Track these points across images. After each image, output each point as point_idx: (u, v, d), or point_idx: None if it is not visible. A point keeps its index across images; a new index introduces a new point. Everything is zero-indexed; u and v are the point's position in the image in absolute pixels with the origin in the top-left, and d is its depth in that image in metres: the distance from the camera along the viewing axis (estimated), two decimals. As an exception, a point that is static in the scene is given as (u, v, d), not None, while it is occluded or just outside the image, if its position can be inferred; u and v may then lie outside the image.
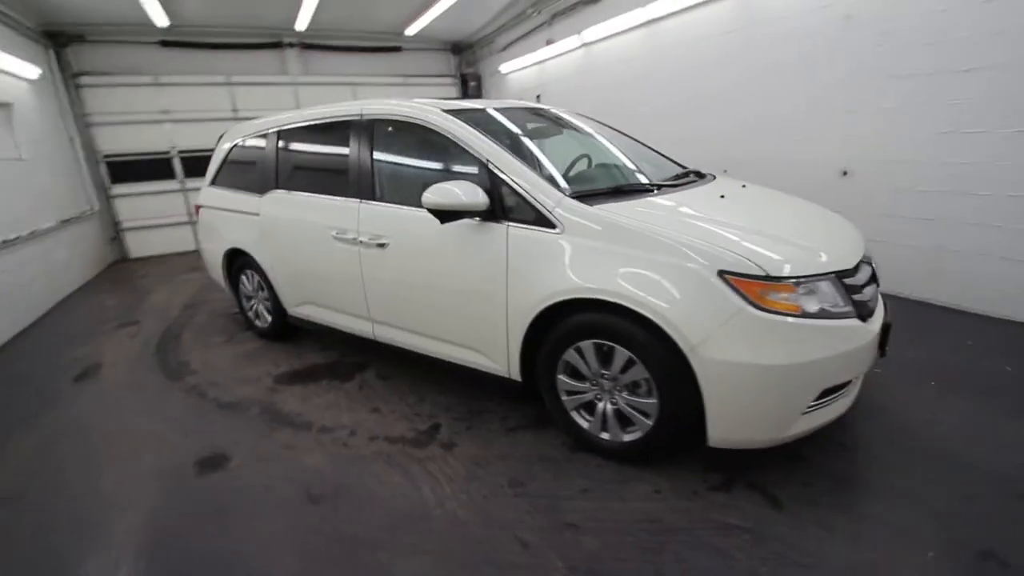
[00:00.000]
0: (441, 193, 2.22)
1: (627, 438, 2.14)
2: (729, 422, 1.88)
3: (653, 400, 2.01)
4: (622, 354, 2.03)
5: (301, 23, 7.26)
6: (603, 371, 2.12)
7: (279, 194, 3.36)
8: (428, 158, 2.72)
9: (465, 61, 9.52)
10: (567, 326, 2.13)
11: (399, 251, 2.64)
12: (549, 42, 7.21)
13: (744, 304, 1.78)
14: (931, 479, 1.99)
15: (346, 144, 2.95)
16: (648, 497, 1.99)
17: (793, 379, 1.81)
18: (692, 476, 2.08)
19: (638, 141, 3.29)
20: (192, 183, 7.69)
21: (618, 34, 5.99)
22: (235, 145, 3.86)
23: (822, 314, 1.83)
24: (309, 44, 8.11)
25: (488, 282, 2.31)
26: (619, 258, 1.97)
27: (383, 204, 2.75)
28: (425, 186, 2.27)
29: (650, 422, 2.05)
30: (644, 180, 2.63)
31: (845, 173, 4.07)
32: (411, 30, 8.03)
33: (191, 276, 6.19)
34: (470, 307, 2.43)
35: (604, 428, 2.20)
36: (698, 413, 1.92)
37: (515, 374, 2.39)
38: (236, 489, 2.20)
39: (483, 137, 2.38)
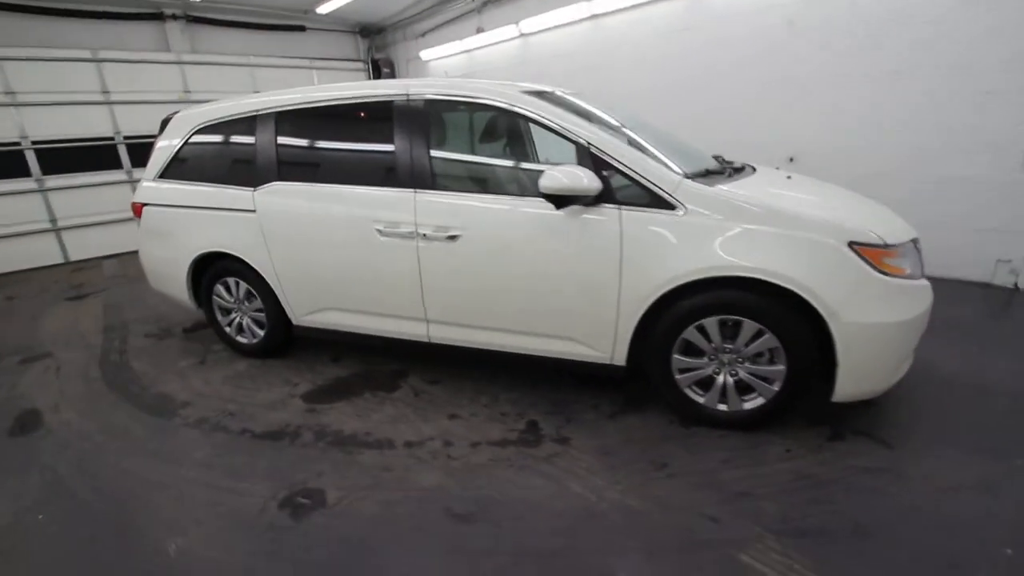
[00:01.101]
0: (563, 176, 2.12)
1: (748, 406, 2.28)
2: (857, 377, 2.10)
3: (780, 367, 2.16)
4: (750, 327, 2.15)
5: (196, -10, 6.23)
6: (726, 345, 2.22)
7: (283, 186, 2.89)
8: (507, 142, 2.57)
9: (375, 45, 8.95)
10: (690, 305, 2.18)
11: (475, 243, 2.45)
12: (480, 30, 7.10)
13: (871, 270, 2.00)
14: (965, 407, 2.44)
15: (388, 128, 2.64)
16: (784, 457, 2.15)
17: (906, 332, 2.08)
18: (806, 433, 2.28)
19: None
20: (54, 180, 6.23)
21: (560, 26, 6.11)
22: (196, 130, 3.22)
23: (912, 275, 2.13)
24: (197, 17, 6.98)
25: (597, 268, 2.27)
26: (750, 235, 2.08)
27: (450, 193, 2.53)
28: (512, 172, 2.16)
29: (775, 388, 2.20)
30: (711, 165, 2.74)
31: (792, 159, 4.67)
32: (325, 7, 7.33)
33: (84, 293, 5.02)
34: (571, 296, 2.36)
35: (722, 400, 2.32)
36: (822, 374, 2.12)
37: (619, 359, 2.39)
38: (363, 524, 1.90)
39: (580, 120, 2.32)
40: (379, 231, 2.62)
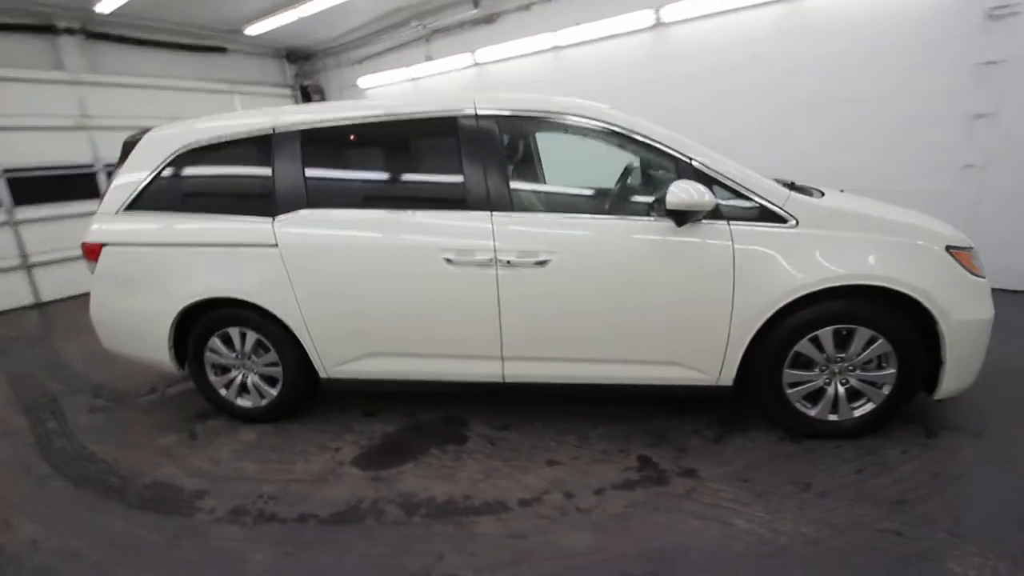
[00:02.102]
0: (693, 191, 2.01)
1: (857, 413, 2.28)
2: (957, 374, 2.19)
3: (890, 371, 2.20)
4: (863, 334, 2.17)
5: (107, 4, 5.34)
6: (839, 355, 2.22)
7: (316, 215, 2.46)
8: (597, 159, 2.40)
9: (304, 71, 8.37)
10: (809, 315, 2.16)
11: (568, 267, 2.24)
12: (429, 58, 6.94)
13: (964, 271, 2.12)
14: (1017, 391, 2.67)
15: (452, 146, 2.37)
16: (905, 459, 2.16)
17: (990, 328, 2.23)
18: (903, 434, 2.33)
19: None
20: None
21: (520, 57, 6.15)
22: (180, 153, 2.65)
23: (982, 275, 2.31)
24: (98, 33, 6.01)
25: (709, 286, 2.18)
26: (862, 244, 2.12)
27: (534, 215, 2.31)
28: (601, 189, 2.02)
29: (885, 392, 2.24)
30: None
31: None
32: (254, 29, 6.70)
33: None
34: (679, 317, 2.23)
35: (833, 410, 2.30)
36: (927, 374, 2.20)
37: (726, 379, 2.30)
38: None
39: (679, 135, 2.24)
40: (448, 260, 2.30)
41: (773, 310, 2.15)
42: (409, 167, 2.55)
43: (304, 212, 2.47)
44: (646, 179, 2.65)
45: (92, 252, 2.74)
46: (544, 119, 2.37)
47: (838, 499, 1.96)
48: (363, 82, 7.69)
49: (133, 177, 2.72)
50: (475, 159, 2.33)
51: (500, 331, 2.37)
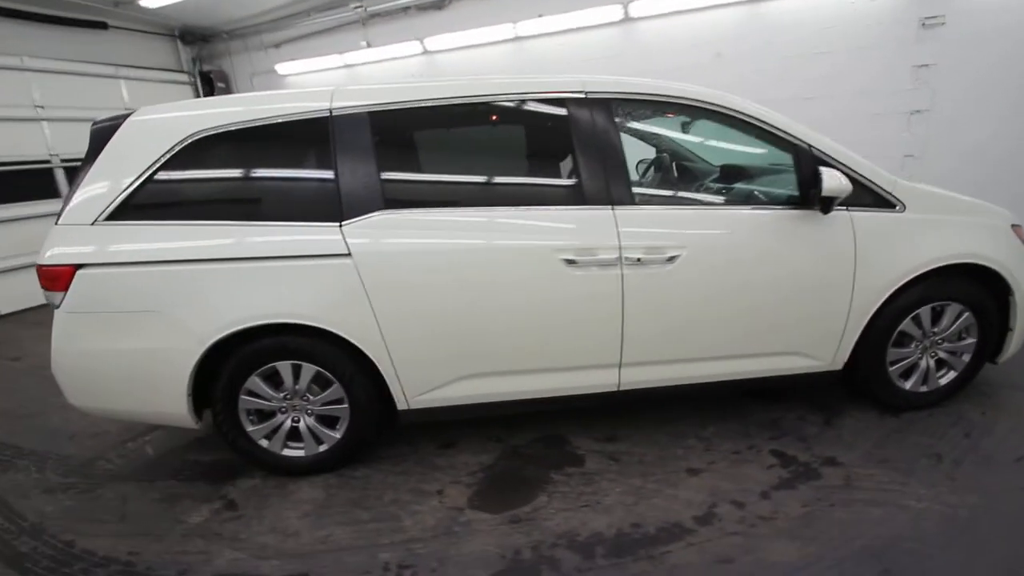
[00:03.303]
0: (840, 179, 1.98)
1: (943, 381, 2.45)
2: (1016, 339, 2.44)
3: (970, 340, 2.39)
4: (954, 309, 2.32)
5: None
6: (933, 330, 2.36)
7: (398, 217, 2.03)
8: (713, 146, 2.27)
9: (204, 55, 7.15)
10: (915, 295, 2.26)
11: (699, 263, 2.10)
12: (367, 44, 6.31)
13: (1022, 245, 2.38)
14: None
15: (561, 133, 2.10)
16: (991, 420, 2.35)
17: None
18: (973, 395, 2.54)
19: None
20: None
21: (476, 46, 5.84)
22: (186, 144, 2.03)
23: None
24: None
25: (834, 272, 2.18)
26: (957, 226, 2.27)
27: (658, 207, 2.13)
28: (724, 176, 1.98)
29: (964, 360, 2.42)
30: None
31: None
32: (150, 1, 5.52)
33: None
34: (805, 306, 2.21)
35: (924, 382, 2.44)
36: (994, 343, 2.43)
37: (838, 364, 2.34)
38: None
39: (794, 122, 2.20)
40: (567, 262, 2.04)
41: (889, 292, 2.22)
42: (510, 157, 2.22)
43: (382, 215, 2.02)
44: (682, 171, 2.62)
45: (58, 278, 2.00)
46: (660, 103, 2.19)
47: (972, 464, 2.07)
48: (283, 68, 6.79)
49: (115, 176, 2.03)
50: (590, 147, 2.09)
51: (621, 336, 2.16)
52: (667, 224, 2.11)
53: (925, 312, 2.31)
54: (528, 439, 2.44)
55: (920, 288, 2.25)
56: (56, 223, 2.07)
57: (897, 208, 2.22)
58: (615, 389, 2.26)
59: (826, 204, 2.06)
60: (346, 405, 2.18)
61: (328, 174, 2.04)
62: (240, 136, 2.06)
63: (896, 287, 2.21)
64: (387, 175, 2.06)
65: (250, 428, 2.19)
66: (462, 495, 2.09)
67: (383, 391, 2.18)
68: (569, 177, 2.11)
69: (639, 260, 2.06)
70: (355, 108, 2.05)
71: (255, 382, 2.12)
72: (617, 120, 2.12)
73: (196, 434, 2.62)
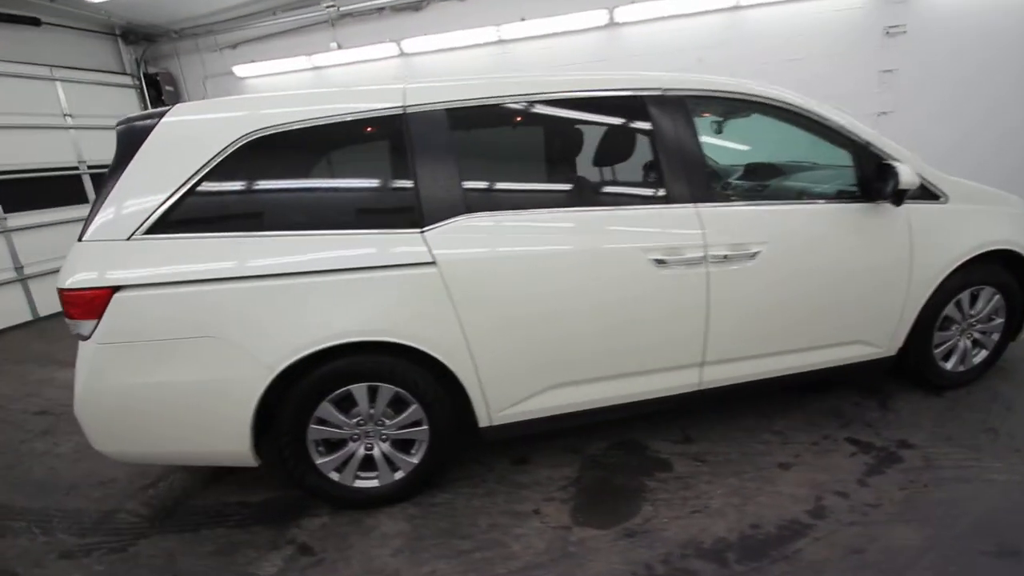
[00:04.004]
0: (912, 173, 2.06)
1: (976, 360, 2.62)
2: (1035, 318, 2.66)
3: (1000, 321, 2.57)
4: (988, 292, 2.49)
5: None
6: (970, 313, 2.51)
7: (480, 222, 1.90)
8: (781, 144, 2.29)
9: (149, 56, 6.52)
10: (958, 281, 2.39)
11: (779, 258, 2.12)
12: (337, 46, 6.01)
13: None
14: None
15: (642, 130, 2.06)
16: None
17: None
18: (996, 372, 2.75)
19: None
20: None
21: (457, 49, 5.71)
22: (243, 145, 1.79)
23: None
24: None
25: (895, 262, 2.28)
26: (991, 215, 2.44)
27: (739, 204, 2.13)
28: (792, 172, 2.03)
29: (995, 338, 2.60)
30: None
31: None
32: (95, -7, 4.96)
33: None
34: (870, 296, 2.29)
35: (962, 362, 2.59)
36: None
37: (892, 350, 2.44)
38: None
39: (854, 120, 2.27)
40: (657, 262, 1.99)
41: (941, 279, 2.34)
42: (592, 156, 2.13)
43: (466, 219, 1.88)
44: (765, 167, 2.68)
45: (89, 305, 1.71)
46: (734, 101, 2.20)
47: (1028, 436, 2.23)
48: (242, 70, 6.33)
49: (154, 185, 1.77)
50: (671, 145, 2.06)
51: (705, 334, 2.14)
52: (748, 221, 2.11)
53: (965, 296, 2.46)
54: (603, 447, 2.36)
55: (961, 274, 2.40)
56: (80, 240, 1.77)
57: (941, 199, 2.35)
58: (695, 389, 2.24)
59: (899, 197, 2.14)
60: (425, 427, 2.01)
61: (405, 177, 1.88)
62: (300, 137, 1.85)
63: (946, 274, 2.34)
64: (468, 177, 1.92)
65: (319, 460, 1.96)
66: (562, 512, 1.98)
67: (464, 409, 2.04)
68: (651, 176, 2.07)
69: (726, 257, 2.05)
70: (432, 105, 1.90)
71: (327, 409, 1.90)
72: (695, 115, 2.10)
73: (221, 472, 2.33)
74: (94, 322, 1.72)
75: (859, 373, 2.49)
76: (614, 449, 2.35)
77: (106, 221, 1.75)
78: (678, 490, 2.05)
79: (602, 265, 1.98)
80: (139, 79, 6.41)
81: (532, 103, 1.99)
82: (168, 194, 1.76)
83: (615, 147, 2.12)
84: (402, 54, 5.89)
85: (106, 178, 1.81)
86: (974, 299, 2.49)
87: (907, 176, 2.05)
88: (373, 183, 1.95)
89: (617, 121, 2.10)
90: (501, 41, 5.59)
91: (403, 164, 1.88)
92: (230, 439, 1.85)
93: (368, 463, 2.02)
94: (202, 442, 1.87)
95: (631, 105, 2.06)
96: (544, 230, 1.96)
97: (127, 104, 6.17)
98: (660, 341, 2.12)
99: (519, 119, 2.02)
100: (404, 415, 1.98)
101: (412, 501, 2.08)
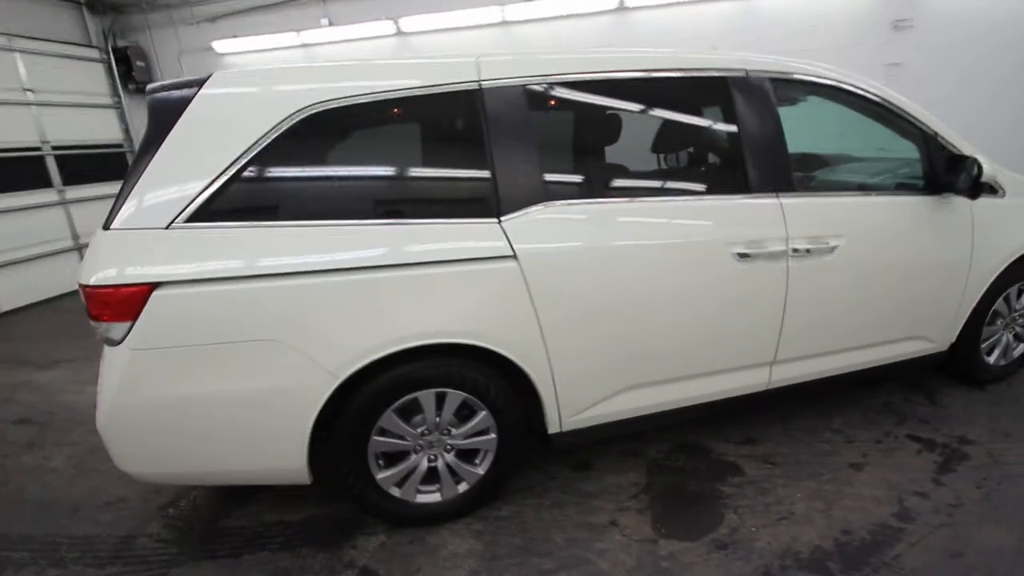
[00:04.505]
0: (989, 167, 2.00)
1: (1015, 354, 2.63)
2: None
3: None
4: (1034, 280, 2.50)
5: None
6: (1016, 307, 2.52)
7: (559, 211, 1.73)
8: (857, 133, 2.20)
9: (117, 28, 5.96)
10: (1005, 278, 2.37)
11: (856, 252, 2.04)
12: (328, 23, 5.65)
13: None
14: None
15: (723, 115, 1.93)
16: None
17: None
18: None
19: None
20: None
21: (458, 29, 5.45)
22: (300, 120, 1.57)
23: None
24: None
25: (957, 256, 2.25)
26: (1041, 209, 2.44)
27: (823, 195, 2.04)
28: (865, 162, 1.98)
29: (1033, 327, 2.63)
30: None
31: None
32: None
33: None
34: (935, 290, 2.26)
35: (1004, 355, 2.60)
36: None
37: (947, 344, 2.42)
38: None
39: (927, 112, 2.21)
40: (741, 255, 1.88)
41: (997, 273, 2.33)
42: (671, 140, 1.99)
43: (544, 209, 1.72)
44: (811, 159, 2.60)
45: (122, 304, 1.46)
46: (818, 86, 2.08)
47: (1085, 430, 2.25)
48: (222, 46, 5.88)
49: (196, 164, 1.53)
50: (753, 131, 1.94)
51: (780, 331, 2.05)
52: (827, 213, 2.02)
53: (1013, 291, 2.46)
54: (664, 450, 2.26)
55: (1013, 269, 2.40)
56: (106, 227, 1.51)
57: (999, 194, 2.34)
58: (764, 389, 2.16)
59: (977, 190, 2.09)
60: (493, 435, 1.85)
61: (480, 160, 1.69)
62: (362, 114, 1.64)
63: (1003, 268, 2.33)
64: (545, 161, 1.75)
65: (380, 475, 1.77)
66: (642, 523, 1.86)
67: (533, 415, 1.89)
68: (732, 163, 1.95)
69: (808, 251, 1.96)
70: (509, 80, 1.71)
71: (390, 418, 1.72)
72: (781, 102, 1.99)
73: (249, 489, 2.11)
74: (127, 324, 1.48)
75: (912, 369, 2.46)
76: (677, 452, 2.24)
77: (140, 207, 1.50)
78: (756, 495, 1.96)
79: (683, 258, 1.86)
80: (107, 53, 5.85)
81: (613, 81, 1.82)
82: (213, 176, 1.52)
83: (696, 132, 1.99)
84: (399, 32, 5.58)
85: (138, 156, 1.56)
86: (1020, 293, 2.50)
87: (989, 168, 2.00)
88: (444, 166, 1.76)
89: (700, 104, 1.97)
90: (505, 23, 5.37)
91: (478, 145, 1.69)
92: (285, 455, 1.64)
93: (428, 476, 1.85)
94: (253, 459, 1.65)
95: (714, 86, 1.92)
96: (625, 221, 1.81)
97: (94, 80, 5.65)
98: (736, 339, 2.02)
99: (598, 99, 1.85)
100: (472, 423, 1.81)
101: (476, 515, 1.93)
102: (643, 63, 1.86)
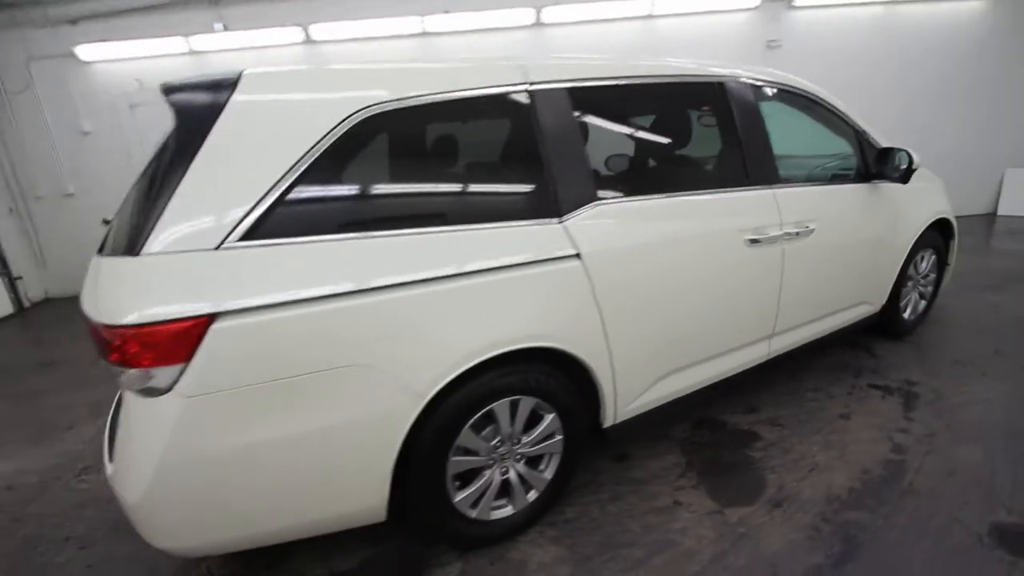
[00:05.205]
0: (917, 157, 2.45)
1: (919, 309, 3.22)
2: (951, 272, 3.36)
3: (933, 275, 3.21)
4: (928, 254, 3.09)
5: None
6: (920, 271, 3.09)
7: (611, 209, 1.79)
8: (812, 131, 2.51)
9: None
10: (924, 241, 2.93)
11: (825, 232, 2.37)
12: (223, 27, 5.11)
13: None
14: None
15: (724, 116, 2.13)
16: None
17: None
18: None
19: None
20: None
21: (375, 39, 5.25)
22: (357, 123, 1.43)
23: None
24: None
25: (890, 230, 2.72)
26: (932, 190, 3.03)
27: (801, 186, 2.33)
28: (825, 160, 2.42)
29: (930, 290, 3.24)
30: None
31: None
32: None
33: None
34: (878, 259, 2.70)
35: (913, 312, 3.16)
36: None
37: (879, 306, 2.89)
38: None
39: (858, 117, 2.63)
40: (751, 241, 2.10)
41: (911, 245, 2.85)
42: (693, 140, 2.12)
43: (597, 207, 1.76)
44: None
45: (177, 342, 1.23)
46: (788, 92, 2.38)
47: (987, 360, 2.82)
48: (88, 52, 5.02)
49: (245, 175, 1.33)
50: (749, 131, 2.17)
51: (778, 307, 2.31)
52: (804, 200, 2.32)
53: (918, 258, 3.03)
54: (687, 429, 2.40)
55: (919, 240, 2.95)
56: (136, 252, 1.25)
57: (908, 184, 2.86)
58: (764, 360, 2.40)
59: (908, 176, 2.54)
60: (559, 438, 1.83)
61: (537, 161, 1.68)
62: (417, 115, 1.55)
63: (915, 240, 2.85)
64: (595, 161, 1.80)
65: (458, 498, 1.66)
66: (700, 498, 1.96)
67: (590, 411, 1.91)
68: (739, 160, 2.15)
69: (797, 234, 2.24)
70: (556, 84, 1.73)
71: (468, 435, 1.62)
72: (761, 105, 2.24)
73: (272, 550, 1.82)
74: (178, 368, 1.23)
75: (856, 330, 2.89)
76: (698, 429, 2.40)
77: (181, 226, 1.26)
78: (781, 455, 2.18)
79: (711, 246, 2.02)
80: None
81: (647, 85, 1.93)
82: (267, 187, 1.33)
83: (709, 130, 2.17)
84: (308, 40, 5.24)
85: (166, 166, 1.31)
86: (921, 260, 3.08)
87: (916, 159, 2.46)
88: (506, 169, 1.71)
89: (716, 106, 2.14)
90: (425, 33, 5.30)
91: (534, 147, 1.68)
92: (366, 493, 1.47)
93: (503, 490, 1.78)
94: (329, 504, 1.45)
95: (715, 91, 2.12)
96: (667, 215, 1.92)
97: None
98: (749, 317, 2.23)
99: (635, 102, 1.95)
100: (540, 428, 1.78)
101: (543, 523, 1.89)
102: (669, 70, 2.00)
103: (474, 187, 1.67)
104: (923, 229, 2.88)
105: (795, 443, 2.25)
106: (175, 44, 5.08)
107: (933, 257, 3.14)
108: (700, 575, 1.63)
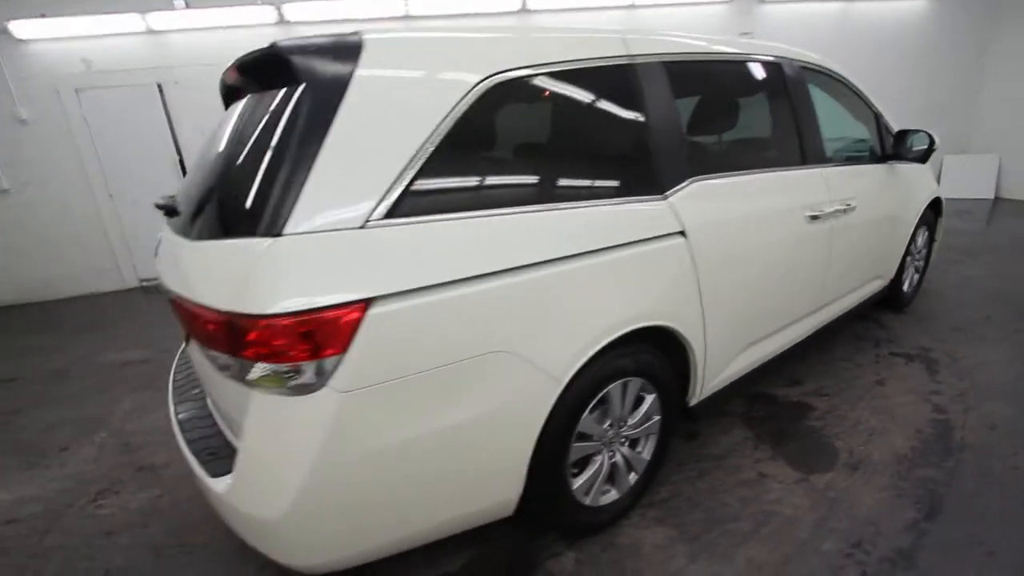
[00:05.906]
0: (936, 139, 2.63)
1: (915, 280, 3.48)
2: (939, 244, 3.65)
3: (926, 250, 3.47)
4: (923, 230, 3.34)
5: None
6: (917, 247, 3.33)
7: (707, 186, 1.79)
8: (841, 112, 2.62)
9: None
10: (925, 217, 3.16)
11: (864, 209, 2.50)
12: (185, 4, 4.66)
13: None
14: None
15: (784, 96, 2.19)
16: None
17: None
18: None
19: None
20: None
21: (353, 21, 4.97)
22: (486, 90, 1.33)
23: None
24: None
25: (902, 208, 2.91)
26: (927, 171, 3.25)
27: (843, 166, 2.45)
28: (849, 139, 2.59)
29: (922, 264, 3.50)
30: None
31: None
32: None
33: None
34: (891, 236, 2.87)
35: (910, 284, 3.41)
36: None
37: (890, 279, 3.09)
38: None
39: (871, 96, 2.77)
40: (812, 218, 2.18)
41: (916, 223, 3.07)
42: (762, 120, 2.15)
43: (696, 183, 1.76)
44: None
45: (333, 332, 1.10)
46: (823, 74, 2.47)
47: (982, 325, 3.08)
48: (25, 29, 4.42)
49: (383, 146, 1.22)
50: (803, 111, 2.25)
51: (825, 280, 2.41)
52: (845, 180, 2.43)
53: (918, 233, 3.27)
54: (744, 405, 2.47)
55: (921, 217, 3.18)
56: (277, 233, 1.10)
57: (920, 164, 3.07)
58: (812, 333, 2.51)
59: (926, 156, 2.72)
60: (657, 418, 1.82)
61: (641, 136, 1.65)
62: (531, 83, 1.46)
63: (918, 218, 3.07)
64: (691, 137, 1.79)
65: (575, 485, 1.61)
66: (784, 468, 2.02)
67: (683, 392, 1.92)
68: (796, 139, 2.22)
69: (844, 211, 2.34)
70: (656, 57, 1.70)
71: (587, 421, 1.58)
72: (806, 85, 2.32)
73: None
74: (333, 360, 1.10)
75: (871, 303, 3.09)
76: (754, 404, 2.47)
77: (324, 202, 1.12)
78: (839, 422, 2.28)
79: (787, 223, 2.08)
80: None
81: (735, 63, 1.97)
82: (406, 160, 1.21)
83: (774, 110, 2.21)
84: (282, 21, 4.89)
85: (297, 139, 1.15)
86: (919, 236, 3.32)
87: (936, 139, 2.64)
88: (616, 144, 1.64)
89: (779, 87, 2.18)
90: (408, 17, 5.10)
91: (637, 121, 1.65)
92: (504, 486, 1.40)
93: (614, 476, 1.75)
94: (473, 499, 1.36)
95: (779, 72, 2.18)
96: (753, 192, 1.97)
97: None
98: (807, 290, 2.32)
99: (722, 79, 1.96)
100: (643, 409, 1.76)
101: (642, 505, 1.88)
102: (751, 48, 2.05)
103: (589, 162, 1.61)
104: (924, 206, 3.11)
105: (847, 411, 2.37)
106: (129, 22, 4.58)
107: (926, 233, 3.40)
108: (810, 541, 1.68)
